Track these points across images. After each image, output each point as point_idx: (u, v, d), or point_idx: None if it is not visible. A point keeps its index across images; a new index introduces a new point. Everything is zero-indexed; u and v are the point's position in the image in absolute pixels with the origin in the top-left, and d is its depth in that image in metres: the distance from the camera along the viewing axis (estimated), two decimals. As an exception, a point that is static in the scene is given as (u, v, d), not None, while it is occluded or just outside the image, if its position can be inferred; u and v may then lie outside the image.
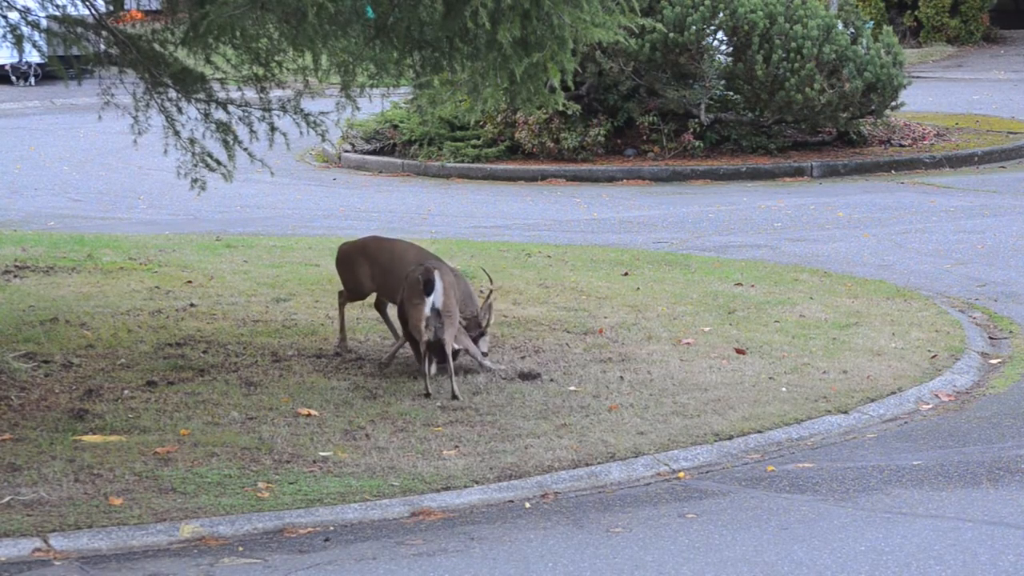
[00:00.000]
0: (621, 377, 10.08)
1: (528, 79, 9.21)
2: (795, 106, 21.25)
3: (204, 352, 10.57)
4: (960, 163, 21.74)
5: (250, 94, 10.62)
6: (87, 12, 10.67)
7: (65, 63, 11.04)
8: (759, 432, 9.05)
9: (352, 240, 11.15)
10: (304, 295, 12.56)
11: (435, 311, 9.46)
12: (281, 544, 7.29)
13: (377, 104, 11.25)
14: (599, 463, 8.42)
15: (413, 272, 9.61)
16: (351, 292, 10.79)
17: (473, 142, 22.11)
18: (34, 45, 10.36)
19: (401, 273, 10.02)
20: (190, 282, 13.05)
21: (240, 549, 7.23)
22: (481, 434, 8.85)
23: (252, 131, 10.58)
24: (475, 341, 10.11)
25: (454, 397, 9.49)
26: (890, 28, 22.91)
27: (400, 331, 10.14)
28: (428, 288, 9.44)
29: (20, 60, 30.38)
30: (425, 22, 8.96)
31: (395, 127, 22.93)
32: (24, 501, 7.60)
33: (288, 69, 10.43)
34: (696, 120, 21.80)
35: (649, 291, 12.90)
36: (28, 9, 10.29)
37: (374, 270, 10.51)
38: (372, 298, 10.85)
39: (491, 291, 10.44)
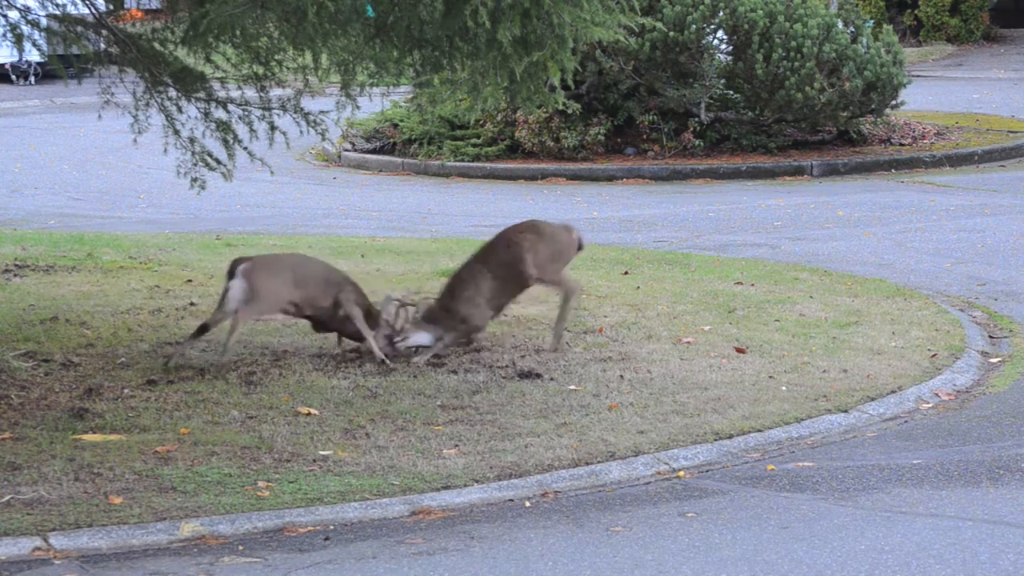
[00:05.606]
0: (621, 376, 10.08)
1: (528, 78, 9.21)
2: (795, 105, 21.25)
3: (204, 351, 10.56)
4: (960, 162, 21.73)
5: (250, 93, 10.63)
6: (87, 11, 10.67)
7: (65, 62, 11.03)
8: (759, 431, 9.05)
9: None
10: (304, 294, 12.53)
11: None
12: (281, 543, 7.29)
13: (377, 103, 11.25)
14: (599, 462, 8.42)
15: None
16: None
17: (473, 141, 22.11)
18: (34, 44, 10.36)
19: None
20: (190, 281, 13.04)
21: (240, 548, 7.22)
22: (481, 433, 8.85)
23: (252, 130, 10.59)
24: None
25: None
26: (890, 27, 22.92)
27: None
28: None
29: (20, 59, 30.37)
30: (425, 21, 8.96)
31: (395, 126, 22.93)
32: (24, 500, 7.59)
33: (288, 68, 10.43)
34: (696, 119, 21.80)
35: (649, 290, 12.90)
36: (28, 8, 10.29)
37: None
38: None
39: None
